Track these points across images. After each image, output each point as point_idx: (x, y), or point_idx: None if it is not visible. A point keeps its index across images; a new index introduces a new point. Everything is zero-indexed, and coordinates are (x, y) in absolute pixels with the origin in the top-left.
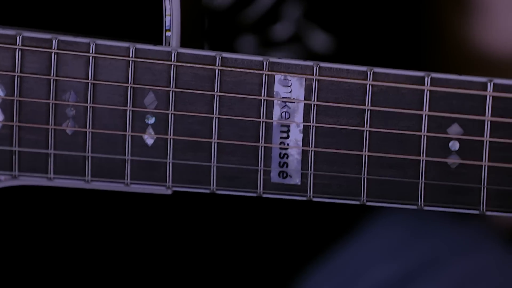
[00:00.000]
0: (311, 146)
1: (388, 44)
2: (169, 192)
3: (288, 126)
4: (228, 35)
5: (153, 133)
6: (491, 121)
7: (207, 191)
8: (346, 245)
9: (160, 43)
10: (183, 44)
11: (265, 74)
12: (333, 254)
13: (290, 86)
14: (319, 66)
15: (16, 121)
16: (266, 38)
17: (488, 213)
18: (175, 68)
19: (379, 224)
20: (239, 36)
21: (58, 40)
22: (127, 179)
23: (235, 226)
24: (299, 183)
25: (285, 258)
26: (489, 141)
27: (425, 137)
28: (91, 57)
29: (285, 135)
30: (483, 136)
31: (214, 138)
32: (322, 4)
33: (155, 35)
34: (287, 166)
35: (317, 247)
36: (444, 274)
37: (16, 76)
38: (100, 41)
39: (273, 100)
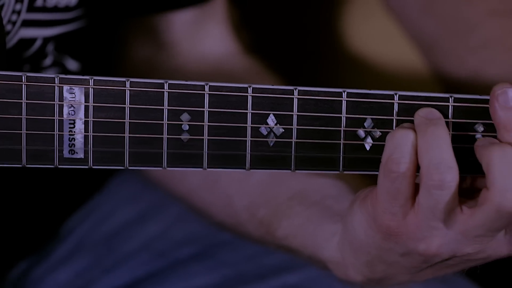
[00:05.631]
0: (90, 132)
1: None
2: None
3: (74, 120)
4: (16, 63)
5: None
6: (209, 111)
7: (20, 165)
8: (99, 196)
9: None
10: None
11: (57, 86)
12: (90, 205)
13: (74, 93)
14: (93, 79)
15: None
16: (39, 66)
17: (209, 169)
18: None
19: (126, 177)
20: (23, 65)
21: None
22: None
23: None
24: (83, 157)
25: (59, 208)
26: (208, 125)
27: (166, 124)
28: None
29: (72, 125)
30: (203, 121)
31: (23, 131)
32: (65, 41)
33: None
34: (74, 146)
35: (80, 200)
36: (164, 213)
37: None
38: None
39: (63, 104)
